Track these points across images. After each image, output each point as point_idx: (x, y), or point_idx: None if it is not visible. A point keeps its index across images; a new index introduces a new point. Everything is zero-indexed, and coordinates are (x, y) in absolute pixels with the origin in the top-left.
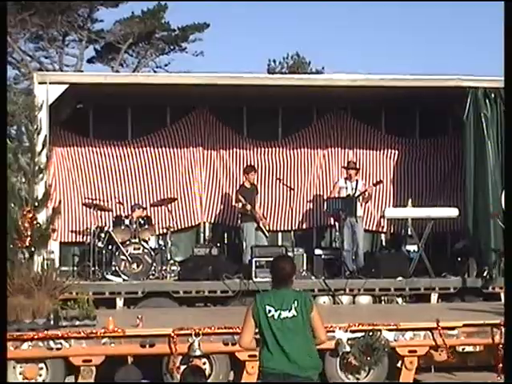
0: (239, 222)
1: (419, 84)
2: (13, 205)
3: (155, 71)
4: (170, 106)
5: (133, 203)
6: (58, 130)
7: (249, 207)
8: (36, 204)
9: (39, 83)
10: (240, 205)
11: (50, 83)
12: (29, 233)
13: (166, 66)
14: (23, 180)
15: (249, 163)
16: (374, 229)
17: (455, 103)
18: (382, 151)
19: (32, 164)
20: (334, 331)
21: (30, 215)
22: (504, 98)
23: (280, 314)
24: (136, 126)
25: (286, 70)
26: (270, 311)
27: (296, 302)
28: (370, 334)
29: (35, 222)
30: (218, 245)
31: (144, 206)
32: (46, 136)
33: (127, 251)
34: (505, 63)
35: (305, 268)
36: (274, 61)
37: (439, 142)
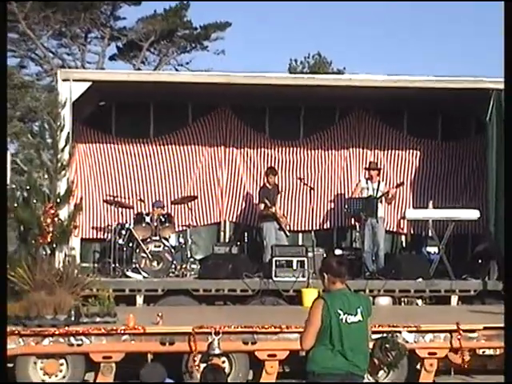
0: (259, 221)
1: (442, 85)
2: (35, 201)
3: (176, 69)
4: (192, 104)
5: (154, 201)
6: (81, 127)
7: (272, 209)
8: (58, 200)
9: (63, 80)
10: (262, 206)
11: (74, 80)
12: (50, 229)
13: (187, 64)
14: (45, 176)
15: (270, 162)
16: (395, 230)
17: (478, 105)
18: (403, 152)
19: (55, 160)
20: None
21: (52, 211)
22: (504, 98)
23: (347, 317)
24: (158, 123)
25: (308, 70)
26: (339, 315)
27: (361, 307)
28: (390, 335)
29: (57, 219)
30: (239, 243)
31: (164, 203)
32: (68, 133)
33: (148, 248)
34: (505, 63)
35: None
36: (296, 60)
37: (461, 143)
